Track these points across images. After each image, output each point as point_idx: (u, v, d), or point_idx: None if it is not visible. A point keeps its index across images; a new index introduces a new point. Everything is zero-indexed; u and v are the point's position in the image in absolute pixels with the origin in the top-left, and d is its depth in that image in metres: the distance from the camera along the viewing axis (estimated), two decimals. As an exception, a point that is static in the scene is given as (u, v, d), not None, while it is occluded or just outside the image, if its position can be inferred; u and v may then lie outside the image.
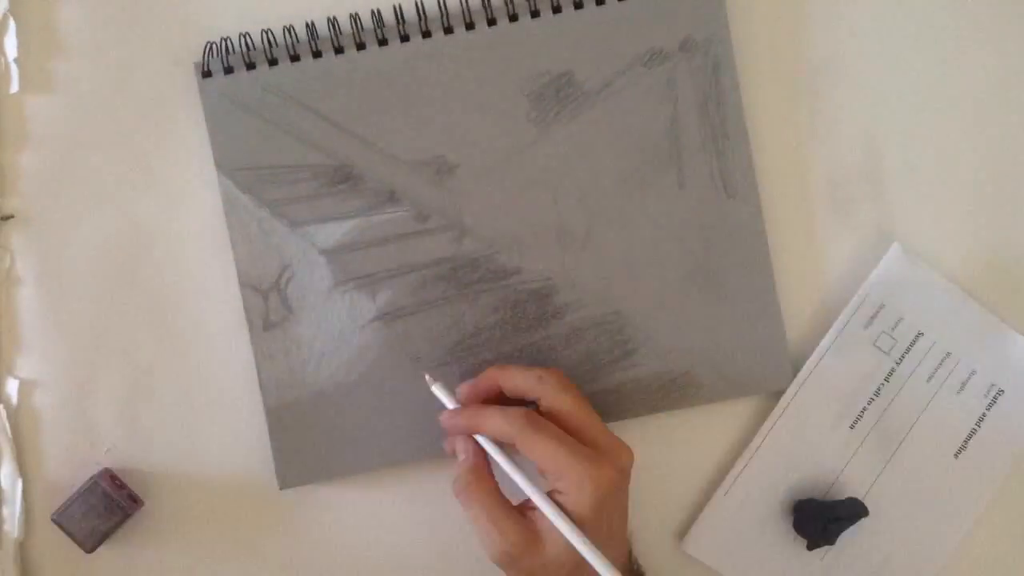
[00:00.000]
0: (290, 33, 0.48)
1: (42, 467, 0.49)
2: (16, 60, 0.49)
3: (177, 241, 0.49)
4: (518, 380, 0.44)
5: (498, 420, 0.42)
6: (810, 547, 0.48)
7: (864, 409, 0.49)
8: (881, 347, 0.48)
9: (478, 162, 0.48)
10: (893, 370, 0.49)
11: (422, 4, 0.48)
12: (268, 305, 0.48)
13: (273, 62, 0.48)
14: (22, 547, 0.49)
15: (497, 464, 0.43)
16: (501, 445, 0.43)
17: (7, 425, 0.48)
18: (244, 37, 0.48)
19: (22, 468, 0.49)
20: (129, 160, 0.49)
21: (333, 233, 0.48)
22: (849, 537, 0.47)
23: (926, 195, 0.50)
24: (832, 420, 0.49)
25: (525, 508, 0.43)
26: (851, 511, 0.47)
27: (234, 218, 0.48)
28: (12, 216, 0.49)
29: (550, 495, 0.41)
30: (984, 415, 0.49)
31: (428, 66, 0.48)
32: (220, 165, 0.48)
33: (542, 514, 0.41)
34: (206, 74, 0.48)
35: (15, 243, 0.49)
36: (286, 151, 0.48)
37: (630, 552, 0.46)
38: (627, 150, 0.49)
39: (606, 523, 0.41)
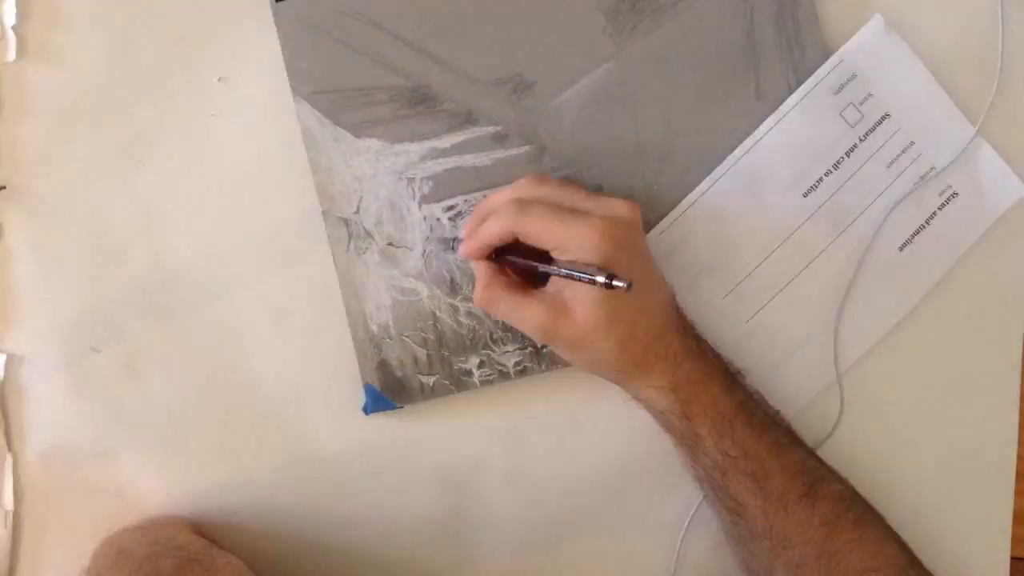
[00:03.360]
0: (362, -47, 0.47)
1: (30, 442, 0.49)
2: (14, 28, 0.47)
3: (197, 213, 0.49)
4: (493, 231, 0.44)
5: (491, 224, 0.43)
6: None
7: (821, 179, 0.48)
8: (847, 118, 0.47)
9: (555, 79, 0.48)
10: (855, 146, 0.47)
11: (496, -81, 0.47)
12: (350, 231, 0.48)
13: (347, -17, 0.47)
14: (14, 518, 0.49)
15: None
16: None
17: None
18: (315, -41, 0.47)
19: (10, 443, 0.48)
20: (129, 133, 0.48)
21: (413, 154, 0.48)
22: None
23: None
24: (787, 182, 0.48)
25: (545, 290, 0.44)
26: None
27: (313, 143, 0.48)
28: (4, 187, 0.48)
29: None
30: (935, 214, 0.48)
31: (503, -18, 0.48)
32: (296, 90, 0.47)
33: (565, 286, 0.43)
34: (279, -3, 0.47)
35: (7, 215, 0.48)
36: (363, 73, 0.47)
37: (677, 305, 0.46)
38: (704, 63, 0.48)
39: (627, 270, 0.41)
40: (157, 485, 0.49)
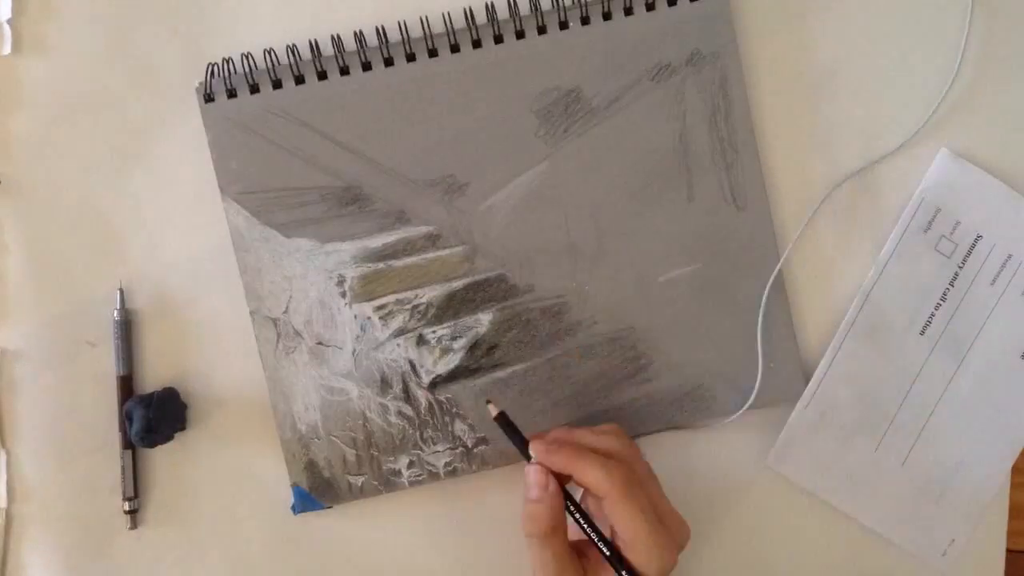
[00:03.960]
0: (294, 53, 0.47)
1: (23, 439, 0.48)
2: (9, 22, 0.48)
3: (169, 225, 0.49)
4: (592, 479, 0.42)
5: (599, 472, 0.41)
6: None
7: (932, 314, 0.49)
8: (942, 251, 0.49)
9: (488, 180, 0.48)
10: (956, 274, 0.49)
11: (427, 22, 0.47)
12: (279, 331, 0.48)
13: (277, 84, 0.47)
14: (6, 515, 0.49)
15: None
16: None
17: None
18: (246, 58, 0.47)
19: (3, 440, 0.48)
20: (123, 129, 0.48)
21: (344, 254, 0.48)
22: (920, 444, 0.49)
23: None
24: (904, 325, 0.49)
25: (580, 548, 0.43)
26: None
27: (241, 242, 0.47)
28: None
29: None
30: None
31: (435, 85, 0.47)
32: (225, 189, 0.47)
33: (600, 565, 0.42)
34: (208, 98, 0.47)
35: (1, 208, 0.48)
36: (293, 173, 0.47)
37: None
38: (636, 165, 0.48)
39: None
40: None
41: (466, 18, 0.47)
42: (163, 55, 0.48)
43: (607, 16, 0.47)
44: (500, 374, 0.49)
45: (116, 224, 0.49)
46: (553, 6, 0.47)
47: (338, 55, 0.47)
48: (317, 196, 0.47)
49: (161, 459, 0.49)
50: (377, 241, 0.48)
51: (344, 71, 0.47)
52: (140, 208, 0.49)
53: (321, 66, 0.47)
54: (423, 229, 0.48)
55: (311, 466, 0.48)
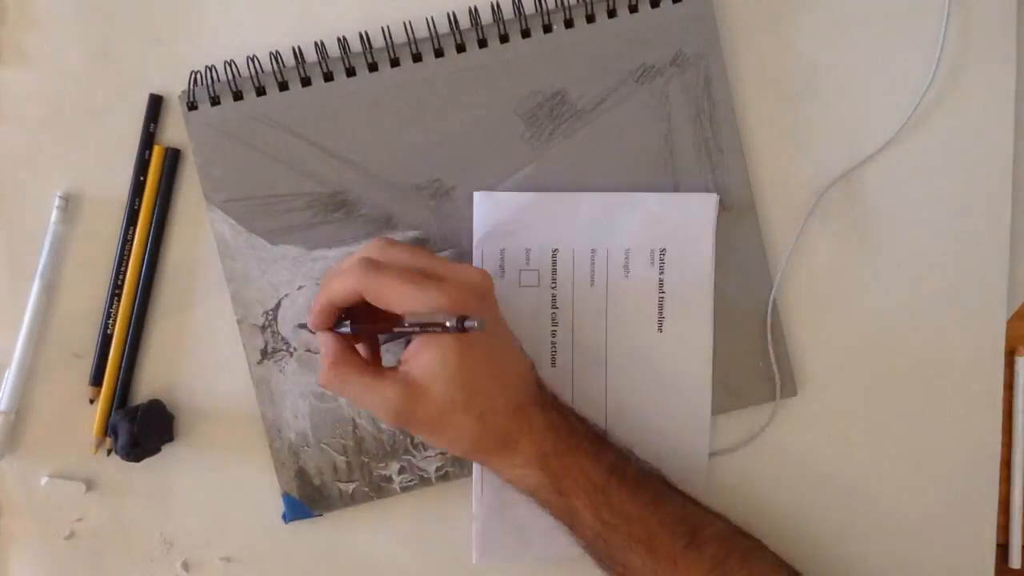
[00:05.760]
0: (277, 60, 0.47)
1: (9, 452, 0.48)
2: None
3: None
4: (338, 288, 0.41)
5: (337, 283, 0.41)
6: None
7: (553, 343, 0.48)
8: (528, 283, 0.47)
9: (475, 184, 0.48)
10: (554, 295, 0.48)
11: (411, 27, 0.47)
12: (267, 339, 0.48)
13: (261, 91, 0.47)
14: None
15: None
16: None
17: None
18: (229, 65, 0.47)
19: None
20: (107, 138, 0.48)
21: (331, 260, 0.47)
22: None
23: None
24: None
25: (396, 369, 0.42)
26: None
27: (227, 250, 0.47)
28: None
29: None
30: (661, 279, 0.48)
31: (419, 90, 0.47)
32: (209, 197, 0.47)
33: (414, 364, 0.41)
34: (192, 106, 0.46)
35: None
36: (278, 180, 0.47)
37: (536, 377, 0.45)
38: (622, 166, 0.48)
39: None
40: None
41: (450, 23, 0.47)
42: (146, 63, 0.48)
43: (590, 19, 0.48)
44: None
45: (99, 235, 0.48)
46: (536, 10, 0.47)
47: (322, 61, 0.47)
48: (303, 203, 0.47)
49: (149, 472, 0.49)
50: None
51: (328, 77, 0.47)
52: (121, 218, 0.48)
53: (305, 72, 0.47)
54: (410, 234, 0.48)
55: (301, 474, 0.48)
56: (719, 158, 0.49)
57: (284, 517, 0.48)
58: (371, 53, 0.47)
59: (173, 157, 0.47)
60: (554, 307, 0.48)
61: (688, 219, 0.47)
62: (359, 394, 0.42)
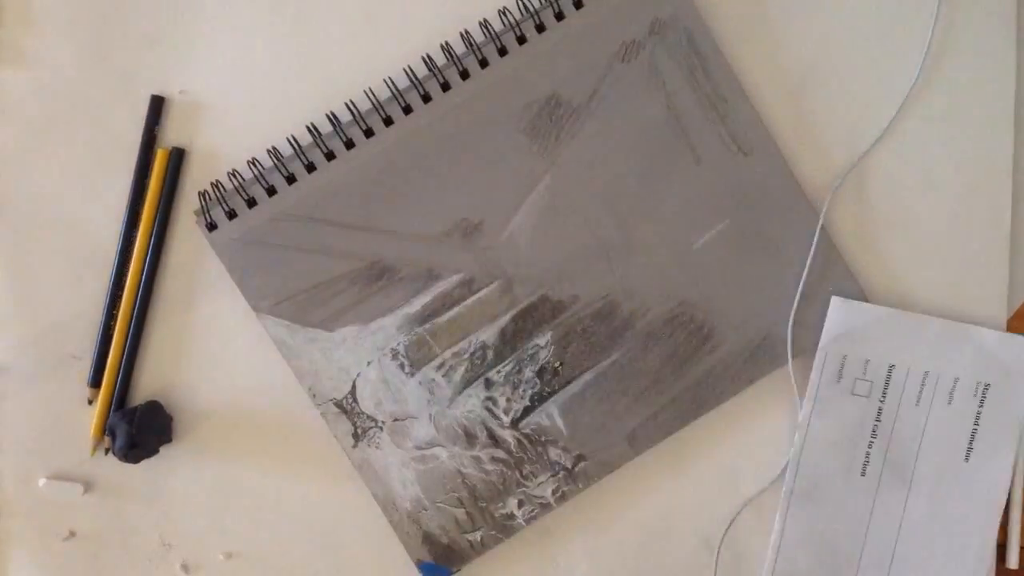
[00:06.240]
0: (276, 156, 0.47)
1: (8, 453, 0.49)
2: None
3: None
4: None
5: None
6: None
7: (868, 453, 0.50)
8: (860, 393, 0.49)
9: (500, 211, 0.48)
10: (880, 408, 0.49)
11: (393, 82, 0.47)
12: (354, 421, 0.48)
13: (271, 191, 0.47)
14: None
15: None
16: None
17: None
18: (233, 176, 0.47)
19: None
20: (104, 140, 0.48)
21: (389, 327, 0.48)
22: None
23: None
24: (842, 473, 0.49)
25: None
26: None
27: (289, 352, 0.48)
28: None
29: None
30: (979, 412, 0.49)
31: (419, 139, 0.47)
32: (257, 307, 0.47)
33: None
34: (211, 227, 0.47)
35: None
36: (316, 269, 0.47)
37: None
38: (635, 147, 0.48)
39: None
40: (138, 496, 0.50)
41: (427, 65, 0.47)
42: (142, 64, 0.48)
43: (559, 16, 0.47)
44: (574, 389, 0.49)
45: (98, 236, 0.48)
46: (505, 24, 0.47)
47: (318, 141, 0.47)
48: (345, 283, 0.48)
49: (147, 473, 0.49)
50: (415, 305, 0.48)
51: (330, 156, 0.47)
52: (121, 219, 0.48)
53: (307, 159, 0.47)
54: (455, 278, 0.48)
55: (428, 539, 0.48)
56: (725, 108, 0.48)
57: (425, 584, 0.49)
58: (362, 119, 0.47)
59: (177, 159, 0.48)
60: (877, 419, 0.49)
61: (1018, 361, 0.49)
62: None
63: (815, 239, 0.48)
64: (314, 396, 0.48)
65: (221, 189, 0.47)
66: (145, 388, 0.49)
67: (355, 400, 0.48)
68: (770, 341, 0.49)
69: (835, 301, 0.49)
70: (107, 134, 0.48)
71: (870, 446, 0.49)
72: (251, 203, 0.47)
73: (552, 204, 0.48)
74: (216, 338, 0.49)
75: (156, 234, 0.48)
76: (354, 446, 0.48)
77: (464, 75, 0.47)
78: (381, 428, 0.48)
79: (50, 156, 0.48)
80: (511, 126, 0.48)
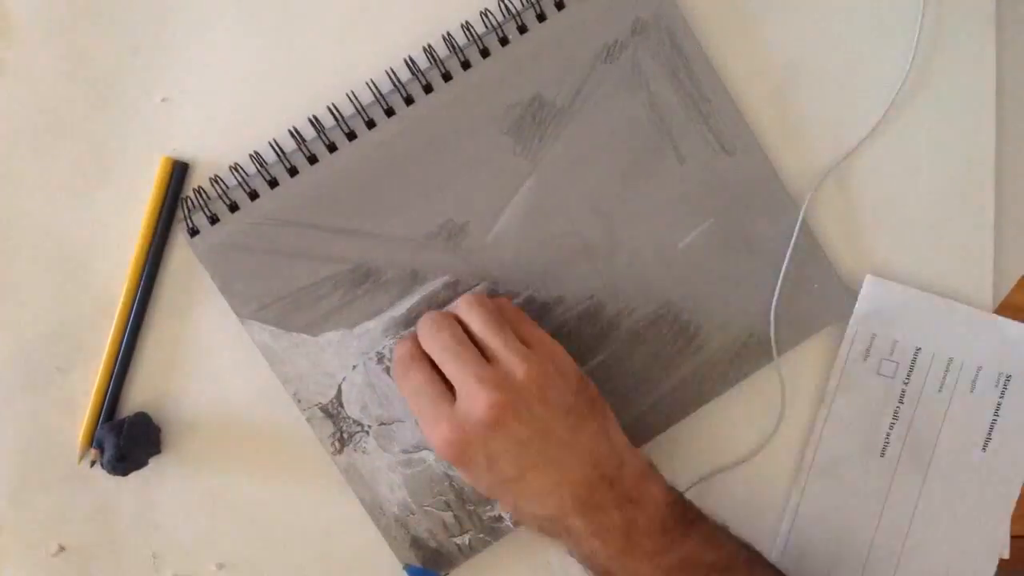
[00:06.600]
0: (258, 161, 0.47)
1: None
2: None
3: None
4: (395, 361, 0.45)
5: (396, 349, 0.46)
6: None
7: (888, 435, 0.50)
8: (885, 373, 0.50)
9: (485, 213, 0.48)
10: (903, 391, 0.50)
11: (375, 84, 0.47)
12: (339, 426, 0.48)
13: (253, 195, 0.47)
14: None
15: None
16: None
17: None
18: (216, 182, 0.47)
19: None
20: (86, 149, 0.47)
21: (375, 331, 0.48)
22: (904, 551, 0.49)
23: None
24: (861, 452, 0.50)
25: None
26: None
27: (274, 357, 0.47)
28: None
29: None
30: (1000, 403, 0.50)
31: (403, 141, 0.47)
32: (240, 312, 0.47)
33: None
34: (193, 232, 0.47)
35: None
36: (300, 273, 0.47)
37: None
38: (619, 147, 0.48)
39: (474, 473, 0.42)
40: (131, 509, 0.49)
41: (409, 68, 0.47)
42: (124, 73, 0.48)
43: (541, 17, 0.47)
44: (560, 390, 0.49)
45: (82, 248, 0.48)
46: (487, 27, 0.47)
47: (301, 146, 0.47)
48: (330, 287, 0.47)
49: (136, 485, 0.49)
50: (401, 308, 0.48)
51: (312, 159, 0.47)
52: (106, 230, 0.48)
53: (290, 163, 0.47)
54: (440, 281, 0.48)
55: (416, 543, 0.48)
56: (708, 107, 0.48)
57: (413, 589, 0.49)
58: (345, 122, 0.47)
59: (181, 171, 0.47)
60: (900, 401, 0.50)
61: None
62: (428, 400, 0.43)
63: (795, 233, 0.49)
64: (299, 401, 0.48)
65: (203, 195, 0.47)
66: (134, 399, 0.48)
67: (341, 405, 0.48)
68: (755, 339, 0.49)
69: (869, 279, 0.49)
70: (90, 143, 0.48)
71: (891, 428, 0.50)
72: (233, 208, 0.47)
73: (537, 205, 0.48)
74: (205, 349, 0.48)
75: (155, 246, 0.47)
76: (340, 451, 0.48)
77: (447, 77, 0.47)
78: (367, 432, 0.48)
79: (32, 167, 0.48)
80: (495, 127, 0.48)
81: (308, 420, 0.48)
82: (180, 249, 0.48)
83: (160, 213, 0.47)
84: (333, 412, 0.48)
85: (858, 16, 0.50)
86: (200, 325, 0.48)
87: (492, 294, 0.48)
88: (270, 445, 0.49)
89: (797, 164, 0.50)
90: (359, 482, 0.48)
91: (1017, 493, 0.50)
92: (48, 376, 0.48)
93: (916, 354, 0.50)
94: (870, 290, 0.49)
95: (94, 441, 0.47)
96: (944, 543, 0.50)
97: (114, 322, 0.47)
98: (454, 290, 0.48)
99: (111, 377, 0.48)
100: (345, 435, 0.48)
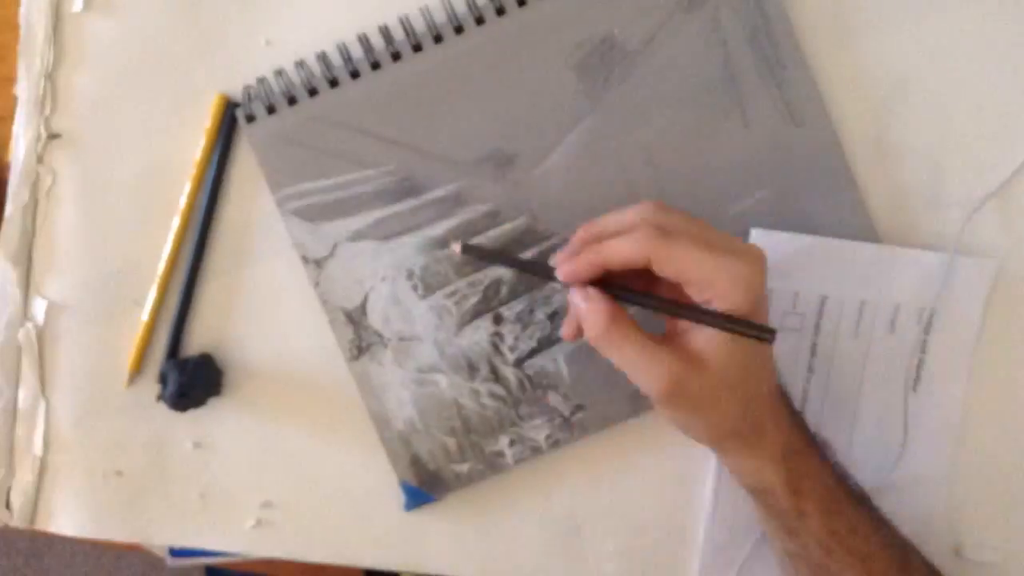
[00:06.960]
0: (324, 61, 0.47)
1: (63, 390, 0.49)
2: None
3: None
4: (623, 251, 0.38)
5: (623, 245, 0.38)
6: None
7: (805, 390, 0.47)
8: (791, 326, 0.46)
9: (536, 147, 0.47)
10: (815, 343, 0.47)
11: (450, 2, 0.47)
12: (360, 334, 0.48)
13: (313, 91, 0.47)
14: (40, 464, 0.49)
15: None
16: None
17: (35, 344, 0.49)
18: (280, 76, 0.47)
19: (44, 390, 0.49)
20: (186, 93, 0.48)
21: (409, 247, 0.48)
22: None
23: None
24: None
25: (671, 337, 0.40)
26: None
27: (307, 253, 0.48)
28: (60, 135, 0.48)
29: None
30: (925, 340, 0.46)
31: (467, 62, 0.47)
32: (282, 204, 0.48)
33: (693, 334, 0.39)
34: (250, 118, 0.47)
35: (60, 162, 0.49)
36: (344, 176, 0.47)
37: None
38: (684, 101, 0.47)
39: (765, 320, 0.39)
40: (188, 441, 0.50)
41: (485, -12, 0.46)
42: (228, 26, 0.48)
43: (627, -44, 0.46)
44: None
45: (170, 186, 0.49)
46: (570, -43, 0.46)
47: (367, 52, 0.47)
48: (373, 195, 0.47)
49: (193, 423, 0.49)
50: (438, 229, 0.48)
51: (375, 66, 0.47)
52: (191, 172, 0.48)
53: (352, 66, 0.47)
54: (481, 208, 0.48)
55: (415, 461, 0.48)
56: (783, 75, 0.47)
57: (406, 506, 0.49)
58: (414, 35, 0.47)
59: (234, 107, 0.48)
60: (813, 355, 0.47)
61: (962, 283, 0.46)
62: (634, 358, 0.39)
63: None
64: (325, 302, 0.48)
65: (267, 85, 0.47)
66: (198, 340, 0.49)
67: (364, 313, 0.48)
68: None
69: (754, 232, 0.46)
70: (188, 87, 0.48)
71: (808, 381, 0.47)
72: (292, 101, 0.47)
73: (590, 147, 0.47)
74: (269, 297, 0.49)
75: (212, 186, 0.48)
76: (357, 358, 0.48)
77: (521, 2, 0.46)
78: (386, 345, 0.48)
79: (131, 104, 0.49)
80: (560, 61, 0.47)
81: (330, 322, 0.48)
82: (243, 197, 0.48)
83: (212, 152, 0.48)
84: (356, 319, 0.48)
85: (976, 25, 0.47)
86: (268, 273, 0.49)
87: (530, 230, 0.47)
88: (323, 399, 0.49)
89: (874, 70, 0.47)
90: (369, 392, 0.48)
91: (957, 430, 0.46)
92: (124, 307, 0.49)
93: (823, 303, 0.46)
94: (756, 241, 0.46)
95: (159, 375, 0.49)
96: (889, 490, 0.46)
97: (167, 261, 0.48)
98: (494, 219, 0.47)
99: (170, 313, 0.49)
100: (364, 343, 0.48)
